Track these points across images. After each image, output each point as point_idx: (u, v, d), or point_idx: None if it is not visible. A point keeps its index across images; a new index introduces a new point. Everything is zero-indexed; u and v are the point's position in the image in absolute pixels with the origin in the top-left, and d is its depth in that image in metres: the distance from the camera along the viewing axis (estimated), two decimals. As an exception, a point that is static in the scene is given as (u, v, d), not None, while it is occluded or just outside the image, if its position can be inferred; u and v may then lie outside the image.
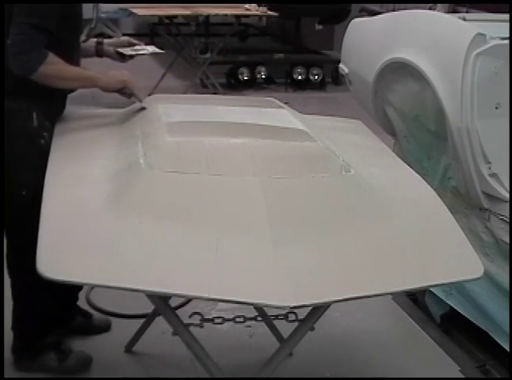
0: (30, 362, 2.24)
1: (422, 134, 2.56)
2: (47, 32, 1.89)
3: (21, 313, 2.20)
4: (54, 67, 1.92)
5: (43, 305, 2.17)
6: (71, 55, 2.04)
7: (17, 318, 2.20)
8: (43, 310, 2.19)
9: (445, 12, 4.12)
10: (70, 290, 2.40)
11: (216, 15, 6.28)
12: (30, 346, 2.24)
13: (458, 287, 2.41)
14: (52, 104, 2.09)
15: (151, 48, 2.38)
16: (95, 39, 2.30)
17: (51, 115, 2.08)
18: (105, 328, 2.52)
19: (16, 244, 2.08)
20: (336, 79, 6.95)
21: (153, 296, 1.65)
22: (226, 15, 6.32)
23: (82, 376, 2.27)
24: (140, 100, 2.10)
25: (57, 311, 2.27)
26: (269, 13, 6.39)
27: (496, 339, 2.31)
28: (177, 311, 1.84)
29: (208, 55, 6.44)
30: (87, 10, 6.09)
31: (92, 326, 2.49)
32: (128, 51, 2.29)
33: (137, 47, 2.33)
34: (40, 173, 1.72)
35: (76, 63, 2.08)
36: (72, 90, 2.14)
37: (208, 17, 6.96)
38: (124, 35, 3.68)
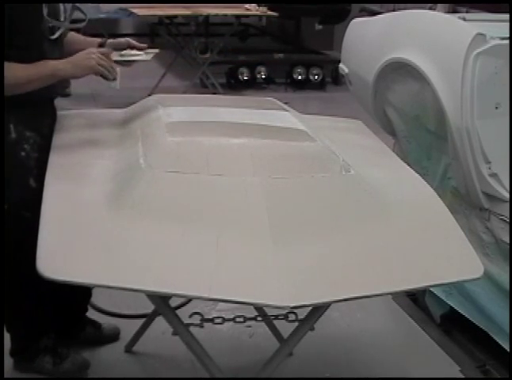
0: (27, 364, 2.25)
1: (422, 134, 2.56)
2: None
3: (15, 317, 2.19)
4: (6, 77, 1.76)
5: (37, 310, 2.17)
6: (36, 60, 1.87)
7: (11, 322, 2.20)
8: (37, 315, 2.19)
9: (445, 12, 4.11)
10: (79, 302, 2.41)
11: (216, 15, 6.28)
12: (26, 348, 2.24)
13: (458, 287, 2.41)
14: (33, 111, 1.97)
15: (146, 54, 2.11)
16: (98, 40, 2.15)
17: (33, 125, 1.97)
18: (114, 336, 2.48)
19: (8, 253, 2.01)
20: (336, 79, 6.96)
21: (153, 296, 1.65)
22: (226, 15, 6.32)
23: (82, 376, 2.27)
24: (112, 79, 1.93)
25: (53, 315, 2.25)
26: (269, 13, 6.39)
27: (496, 339, 2.31)
28: (177, 311, 1.84)
29: (208, 55, 6.44)
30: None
31: (102, 336, 2.46)
32: (117, 56, 2.05)
33: (132, 53, 2.09)
34: (22, 187, 1.65)
35: None
36: (57, 93, 2.06)
37: (208, 17, 6.96)
38: (124, 35, 3.55)
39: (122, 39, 2.12)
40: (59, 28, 1.99)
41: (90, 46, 2.04)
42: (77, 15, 2.05)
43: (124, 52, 2.09)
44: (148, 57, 2.12)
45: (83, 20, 2.07)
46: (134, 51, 2.11)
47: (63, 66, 1.88)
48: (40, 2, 1.89)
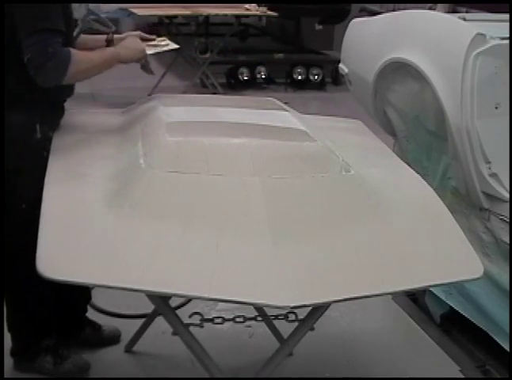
0: (28, 364, 2.24)
1: (422, 134, 2.56)
2: (60, 32, 1.82)
3: (17, 317, 2.19)
4: (81, 62, 1.85)
5: (39, 310, 2.17)
6: None
7: (13, 322, 2.20)
8: (39, 315, 2.19)
9: (445, 12, 4.11)
10: (79, 303, 2.40)
11: (216, 15, 6.28)
12: (27, 349, 2.24)
13: (458, 287, 2.41)
14: (54, 111, 2.05)
15: (167, 44, 2.20)
16: (105, 37, 2.18)
17: (53, 125, 2.02)
18: (115, 338, 2.46)
19: (14, 252, 2.02)
20: (336, 79, 6.96)
21: (153, 296, 1.65)
22: (226, 15, 6.32)
23: (83, 376, 2.27)
24: (152, 73, 2.11)
25: (54, 316, 2.25)
26: (269, 13, 6.39)
27: (496, 339, 2.31)
28: (177, 311, 1.84)
29: (208, 55, 6.43)
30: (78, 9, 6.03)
31: (101, 338, 2.44)
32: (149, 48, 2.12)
33: (162, 44, 2.17)
34: (41, 187, 1.67)
35: None
36: (71, 94, 2.10)
37: (208, 17, 6.96)
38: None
39: (133, 33, 2.15)
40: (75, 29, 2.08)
41: (98, 43, 2.13)
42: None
43: (152, 43, 2.16)
44: (175, 45, 2.22)
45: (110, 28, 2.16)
46: (156, 42, 2.18)
47: (121, 51, 1.97)
48: (50, 3, 1.89)
